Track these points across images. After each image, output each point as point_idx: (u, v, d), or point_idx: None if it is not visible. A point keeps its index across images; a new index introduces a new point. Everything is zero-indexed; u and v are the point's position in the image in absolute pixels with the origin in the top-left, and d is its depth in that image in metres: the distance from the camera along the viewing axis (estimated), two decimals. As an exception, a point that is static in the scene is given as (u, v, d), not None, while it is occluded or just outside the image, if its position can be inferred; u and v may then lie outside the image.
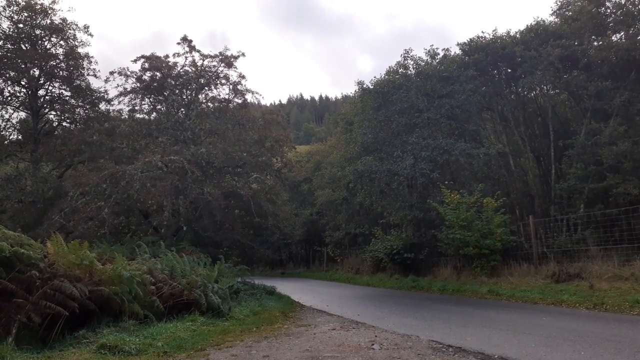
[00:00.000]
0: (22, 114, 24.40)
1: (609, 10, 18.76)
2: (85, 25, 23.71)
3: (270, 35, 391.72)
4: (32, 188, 20.53)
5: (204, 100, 23.47)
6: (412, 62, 22.49)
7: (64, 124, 24.70)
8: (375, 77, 23.61)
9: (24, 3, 22.19)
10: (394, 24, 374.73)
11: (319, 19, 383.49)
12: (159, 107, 22.79)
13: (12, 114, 23.54)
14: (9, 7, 21.91)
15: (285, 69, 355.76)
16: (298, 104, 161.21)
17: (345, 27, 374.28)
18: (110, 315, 8.65)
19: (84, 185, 17.69)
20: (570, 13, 20.42)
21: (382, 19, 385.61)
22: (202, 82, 22.59)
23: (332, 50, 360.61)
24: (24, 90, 22.96)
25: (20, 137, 24.35)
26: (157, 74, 21.77)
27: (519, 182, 21.16)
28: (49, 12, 22.77)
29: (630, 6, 17.90)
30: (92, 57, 23.89)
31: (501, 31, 22.11)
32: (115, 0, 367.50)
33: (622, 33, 18.20)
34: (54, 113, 24.54)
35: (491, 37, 21.30)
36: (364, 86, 23.57)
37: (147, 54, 22.10)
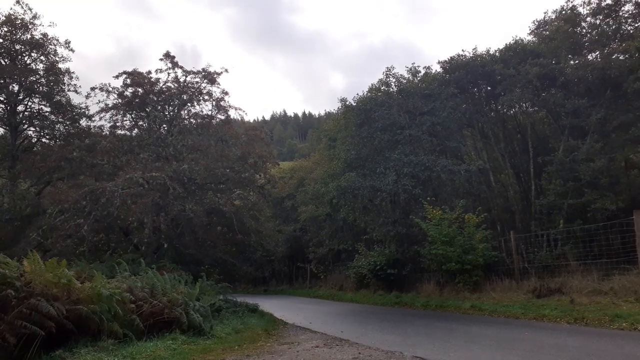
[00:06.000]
0: (0, 130, 24.02)
1: (584, 30, 19.29)
2: (66, 40, 23.60)
3: (241, 52, 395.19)
4: (9, 205, 20.11)
5: (186, 117, 23.34)
6: (393, 80, 22.74)
7: (44, 140, 24.37)
8: (357, 94, 23.79)
9: (4, 17, 22.00)
10: (363, 42, 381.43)
11: (290, 37, 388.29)
12: (140, 123, 22.59)
13: (-10, 129, 23.18)
14: (-11, 22, 21.71)
15: (258, 86, 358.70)
16: (281, 121, 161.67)
17: (317, 45, 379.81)
18: (89, 335, 8.48)
19: (63, 202, 17.39)
20: (547, 32, 20.94)
21: (351, 36, 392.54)
22: (185, 98, 22.49)
23: (304, 68, 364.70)
24: (2, 106, 22.65)
25: (-3, 154, 23.91)
26: (139, 89, 21.61)
27: (499, 198, 21.39)
28: (30, 27, 22.60)
29: (605, 26, 18.43)
30: (73, 72, 23.75)
31: (481, 49, 22.52)
32: (83, 16, 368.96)
33: (597, 52, 18.68)
34: (33, 129, 24.22)
35: (471, 55, 21.67)
36: (347, 103, 23.74)
37: (129, 69, 22.04)
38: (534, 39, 21.62)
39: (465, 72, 21.05)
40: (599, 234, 15.06)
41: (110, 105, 21.48)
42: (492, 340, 9.12)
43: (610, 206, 16.16)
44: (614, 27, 18.29)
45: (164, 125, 22.22)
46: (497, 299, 14.95)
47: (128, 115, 22.16)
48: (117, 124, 22.00)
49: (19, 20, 22.33)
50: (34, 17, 22.73)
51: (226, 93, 23.12)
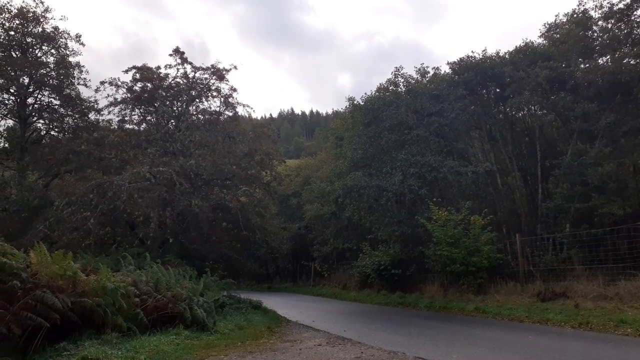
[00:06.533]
0: (10, 122, 24.17)
1: (595, 34, 19.14)
2: (77, 34, 23.68)
3: (249, 50, 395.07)
4: (17, 197, 20.24)
5: (194, 112, 23.32)
6: (402, 80, 22.70)
7: (52, 132, 24.48)
8: (365, 93, 23.77)
9: (16, 11, 22.13)
10: (372, 42, 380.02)
11: (298, 36, 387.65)
12: (149, 118, 22.62)
13: (0, 121, 23.33)
14: (1, 14, 21.84)
15: (266, 84, 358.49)
16: (289, 119, 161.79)
17: (325, 44, 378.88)
18: (93, 328, 8.52)
19: (70, 195, 17.46)
20: (558, 36, 20.82)
21: (360, 36, 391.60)
22: (193, 94, 22.49)
23: (312, 66, 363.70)
24: (13, 98, 22.75)
25: (6, 145, 24.06)
26: (148, 84, 21.65)
27: (506, 200, 21.29)
28: (41, 20, 22.71)
29: (617, 30, 18.28)
30: (83, 66, 23.84)
31: (491, 51, 22.38)
32: (91, 9, 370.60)
33: (608, 56, 18.54)
34: (43, 122, 24.33)
35: (481, 57, 21.57)
36: (355, 102, 23.72)
37: (138, 64, 22.00)
38: (544, 41, 21.49)
39: (474, 73, 20.97)
40: (606, 239, 14.97)
41: (119, 100, 21.51)
42: (495, 343, 9.10)
43: (618, 211, 16.05)
44: (625, 31, 18.14)
45: (172, 121, 22.25)
46: (502, 301, 14.90)
47: (136, 109, 22.19)
48: (126, 119, 22.04)
49: (31, 14, 22.46)
50: (46, 10, 22.85)
51: (234, 90, 23.08)
